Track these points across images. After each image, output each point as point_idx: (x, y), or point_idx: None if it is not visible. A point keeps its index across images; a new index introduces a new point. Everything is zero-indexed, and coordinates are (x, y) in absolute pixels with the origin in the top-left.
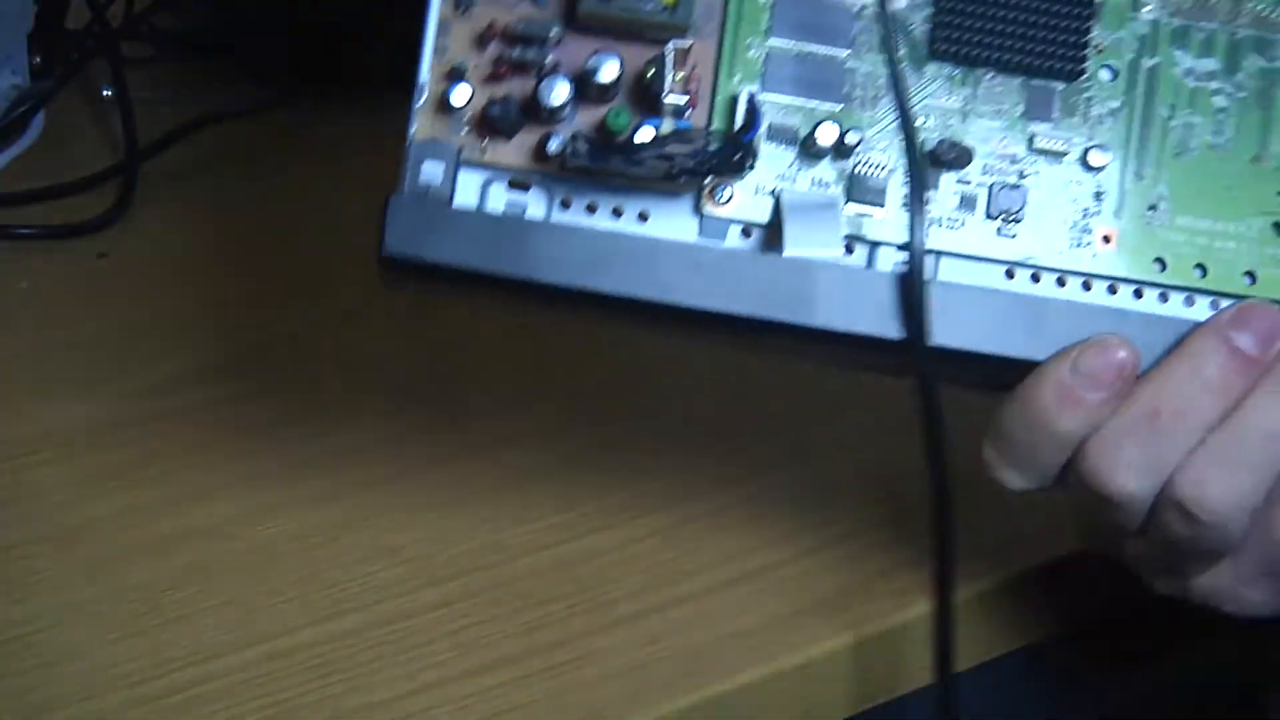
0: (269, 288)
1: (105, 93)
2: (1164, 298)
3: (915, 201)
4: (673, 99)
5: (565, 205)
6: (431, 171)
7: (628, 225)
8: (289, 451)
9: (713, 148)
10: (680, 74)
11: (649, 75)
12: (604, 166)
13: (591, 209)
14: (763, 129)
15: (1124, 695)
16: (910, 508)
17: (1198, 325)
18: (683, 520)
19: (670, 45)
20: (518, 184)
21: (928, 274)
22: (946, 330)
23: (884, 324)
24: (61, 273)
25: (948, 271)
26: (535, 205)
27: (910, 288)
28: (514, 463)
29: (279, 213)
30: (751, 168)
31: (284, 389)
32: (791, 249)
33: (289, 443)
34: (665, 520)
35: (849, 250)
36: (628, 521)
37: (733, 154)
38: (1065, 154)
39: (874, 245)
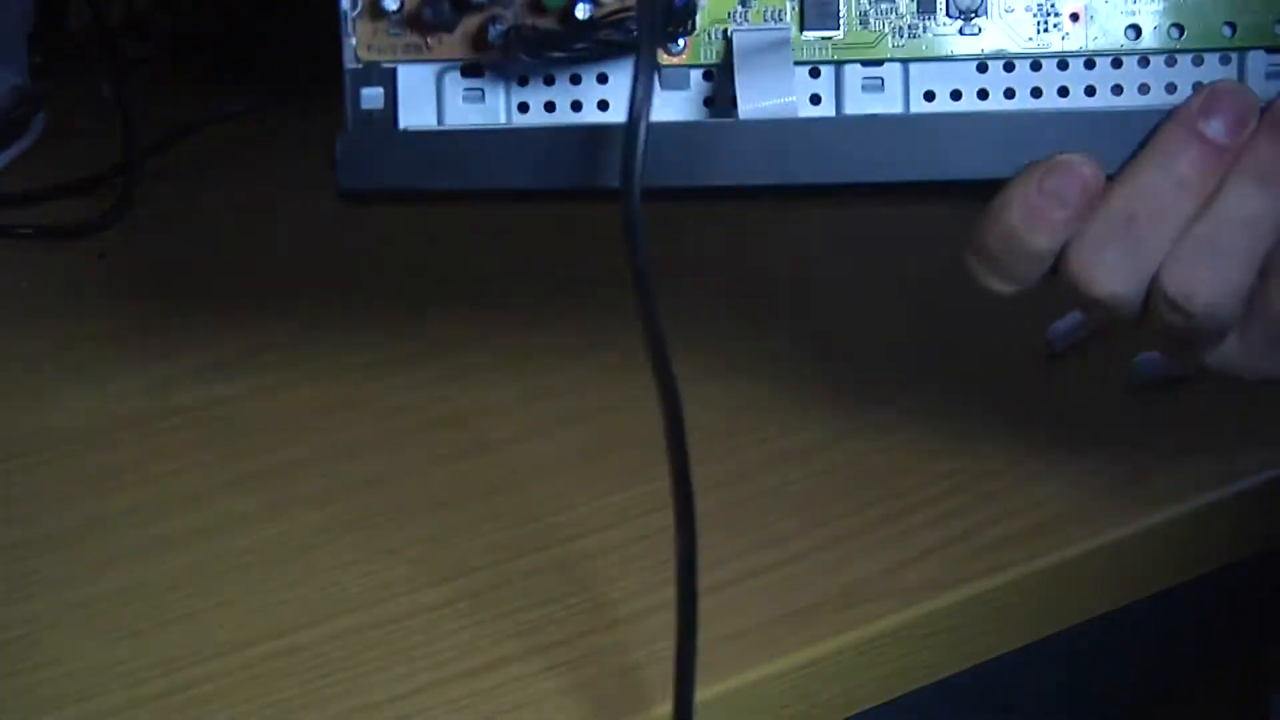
0: (269, 288)
1: (105, 93)
2: (1144, 63)
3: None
4: None
5: (523, 109)
6: (372, 97)
7: (590, 116)
8: (289, 451)
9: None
10: None
11: None
12: (548, 58)
13: (550, 107)
14: None
15: (1129, 694)
16: (910, 508)
17: (1166, 115)
18: None
19: None
20: (471, 71)
21: (899, 90)
22: (903, 167)
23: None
24: (61, 273)
25: (919, 79)
26: (492, 94)
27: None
28: (514, 463)
29: (278, 212)
30: (693, 28)
31: (284, 389)
32: (746, 108)
33: (289, 442)
34: (665, 520)
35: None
36: (628, 521)
37: (666, 24)
38: None
39: (838, 67)
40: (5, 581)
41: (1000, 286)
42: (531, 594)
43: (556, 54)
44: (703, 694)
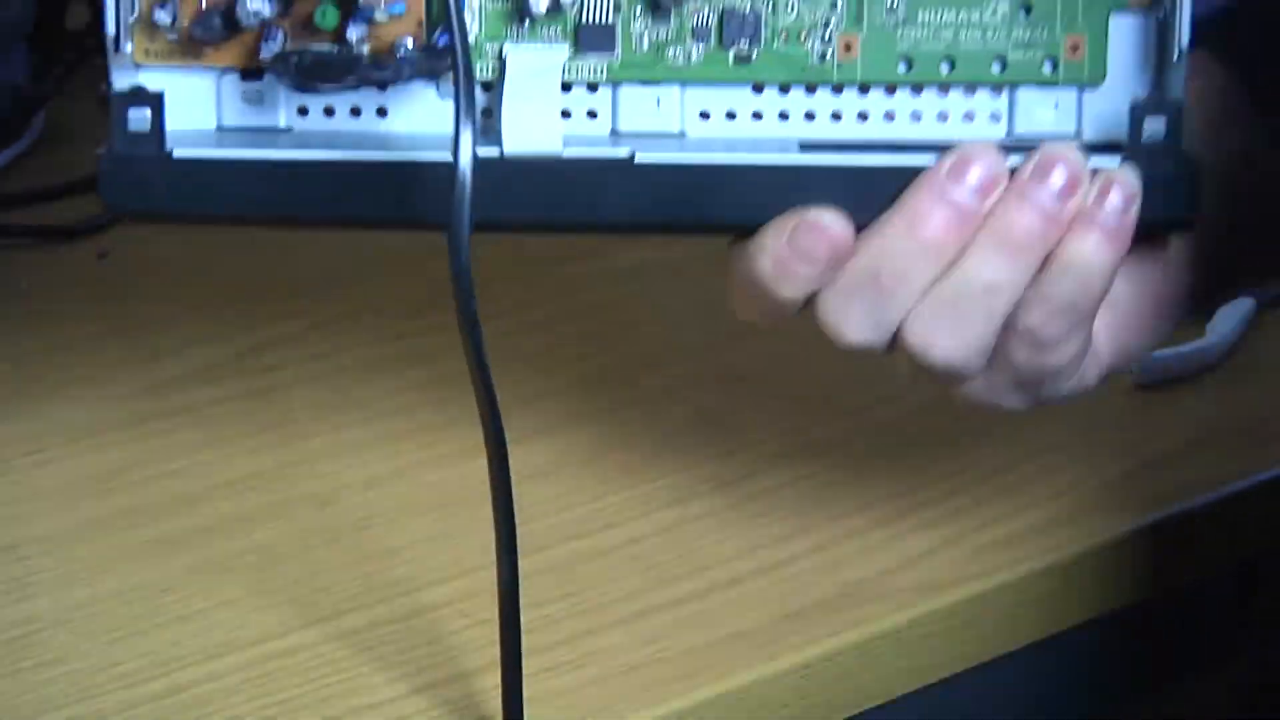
0: (269, 288)
1: (105, 93)
2: (917, 91)
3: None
4: None
5: (303, 113)
6: (138, 119)
7: (367, 124)
8: (289, 451)
9: (414, 62)
10: None
11: None
12: (313, 88)
13: (329, 112)
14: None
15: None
16: (910, 508)
17: (917, 175)
18: (683, 520)
19: None
20: (250, 74)
21: (677, 109)
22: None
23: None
24: (61, 273)
25: (693, 101)
26: (270, 96)
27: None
28: (514, 463)
29: None
30: (450, 67)
31: (283, 389)
32: (510, 144)
33: (289, 443)
34: (665, 520)
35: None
36: (628, 521)
37: (439, 60)
38: None
39: (614, 87)
40: (5, 581)
41: (755, 321)
42: (531, 594)
43: (323, 85)
44: (703, 694)
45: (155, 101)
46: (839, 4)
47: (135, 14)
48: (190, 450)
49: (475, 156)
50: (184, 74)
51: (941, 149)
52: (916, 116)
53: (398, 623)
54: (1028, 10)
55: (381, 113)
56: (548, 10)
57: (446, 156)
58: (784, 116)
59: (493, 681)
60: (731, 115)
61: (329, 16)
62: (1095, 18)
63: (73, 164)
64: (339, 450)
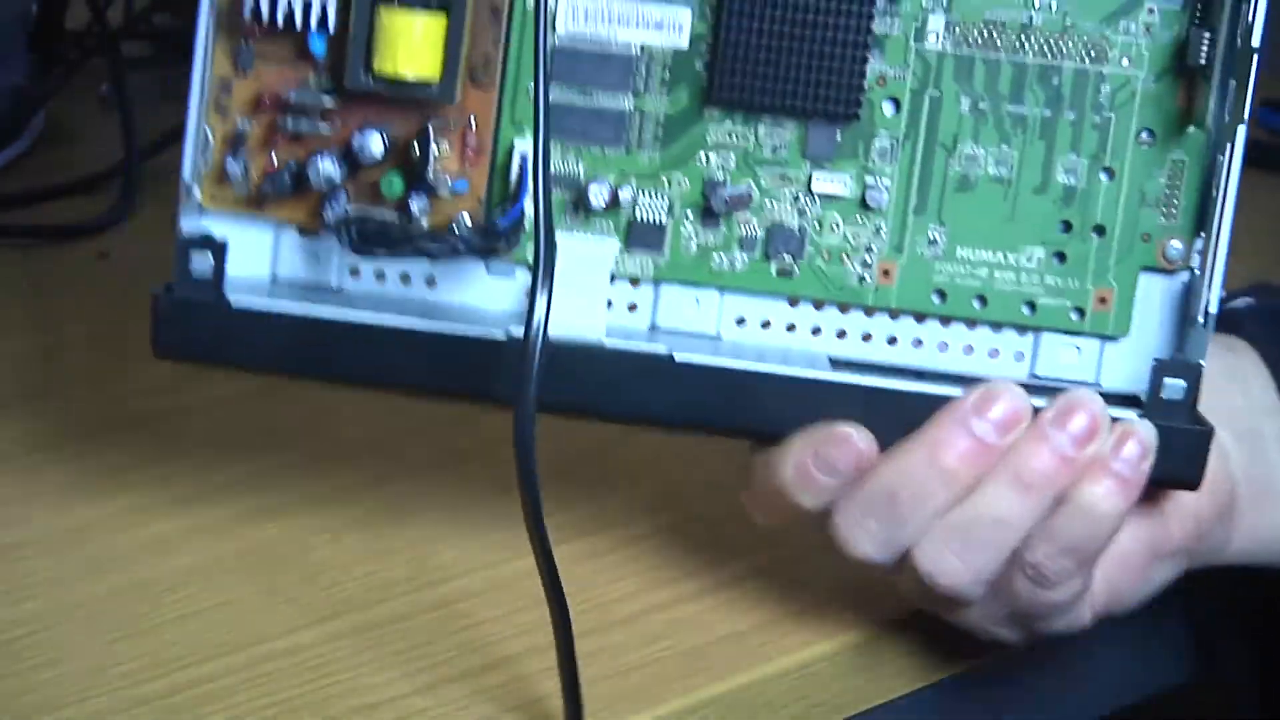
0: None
1: (105, 93)
2: (946, 322)
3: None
4: (439, 170)
5: (354, 274)
6: (201, 264)
7: (416, 291)
8: (289, 452)
9: (470, 241)
10: (446, 146)
11: (417, 148)
12: (371, 253)
13: (380, 276)
14: (526, 205)
15: None
16: None
17: (943, 404)
18: (683, 520)
19: (432, 123)
20: (309, 231)
21: (715, 312)
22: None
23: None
24: (61, 273)
25: (731, 307)
26: (325, 254)
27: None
28: (514, 464)
29: None
30: (517, 243)
31: (283, 390)
32: (555, 328)
33: (289, 443)
34: (665, 520)
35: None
36: (627, 521)
37: (495, 241)
38: (844, 194)
39: (656, 284)
40: (5, 582)
41: (769, 523)
42: (531, 594)
43: (381, 251)
44: (703, 694)
45: (219, 250)
46: (882, 230)
47: (208, 162)
48: (190, 450)
49: (546, 337)
50: (245, 224)
51: (967, 381)
52: (943, 346)
53: (398, 623)
54: (1061, 258)
55: (431, 282)
56: (607, 206)
57: (496, 333)
58: (816, 331)
59: (493, 681)
60: (766, 324)
61: (395, 186)
62: (1126, 273)
63: (73, 164)
64: (339, 451)
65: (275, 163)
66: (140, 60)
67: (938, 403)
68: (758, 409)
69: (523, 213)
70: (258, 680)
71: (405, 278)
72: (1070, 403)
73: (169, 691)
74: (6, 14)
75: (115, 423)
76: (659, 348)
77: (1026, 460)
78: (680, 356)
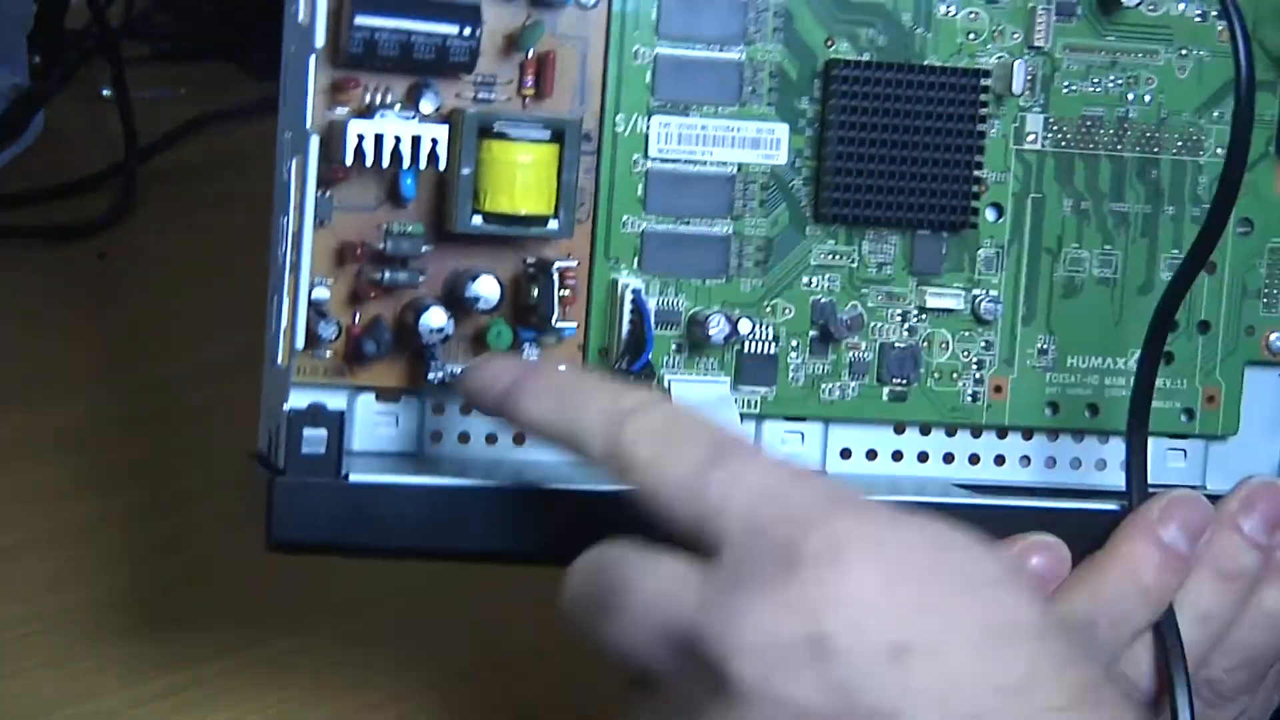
0: (268, 288)
1: (105, 93)
2: (1054, 436)
3: None
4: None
5: (435, 438)
6: (314, 440)
7: (505, 452)
8: None
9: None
10: (561, 289)
11: (534, 295)
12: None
13: (464, 438)
14: (652, 352)
15: None
16: None
17: (1124, 521)
18: None
19: (557, 264)
20: (386, 396)
21: (819, 444)
22: None
23: None
24: (61, 273)
25: (836, 438)
26: (406, 420)
27: None
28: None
29: None
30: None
31: None
32: None
33: None
34: None
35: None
36: None
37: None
38: (957, 308)
39: (759, 421)
40: (5, 582)
41: None
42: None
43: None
44: None
45: (335, 422)
46: (993, 344)
47: (293, 329)
48: (190, 451)
49: None
50: (325, 392)
51: (1084, 496)
52: (1049, 462)
53: (397, 623)
54: (1169, 359)
55: (519, 440)
56: (726, 339)
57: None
58: (923, 458)
59: (493, 681)
60: (872, 454)
61: (503, 336)
62: (1231, 369)
63: (73, 164)
64: None
65: (358, 321)
66: (140, 60)
67: (1085, 518)
68: None
69: (650, 360)
70: (257, 680)
71: (491, 438)
72: (1251, 492)
73: (169, 691)
74: (6, 14)
75: (115, 422)
76: None
77: (1225, 551)
78: None
